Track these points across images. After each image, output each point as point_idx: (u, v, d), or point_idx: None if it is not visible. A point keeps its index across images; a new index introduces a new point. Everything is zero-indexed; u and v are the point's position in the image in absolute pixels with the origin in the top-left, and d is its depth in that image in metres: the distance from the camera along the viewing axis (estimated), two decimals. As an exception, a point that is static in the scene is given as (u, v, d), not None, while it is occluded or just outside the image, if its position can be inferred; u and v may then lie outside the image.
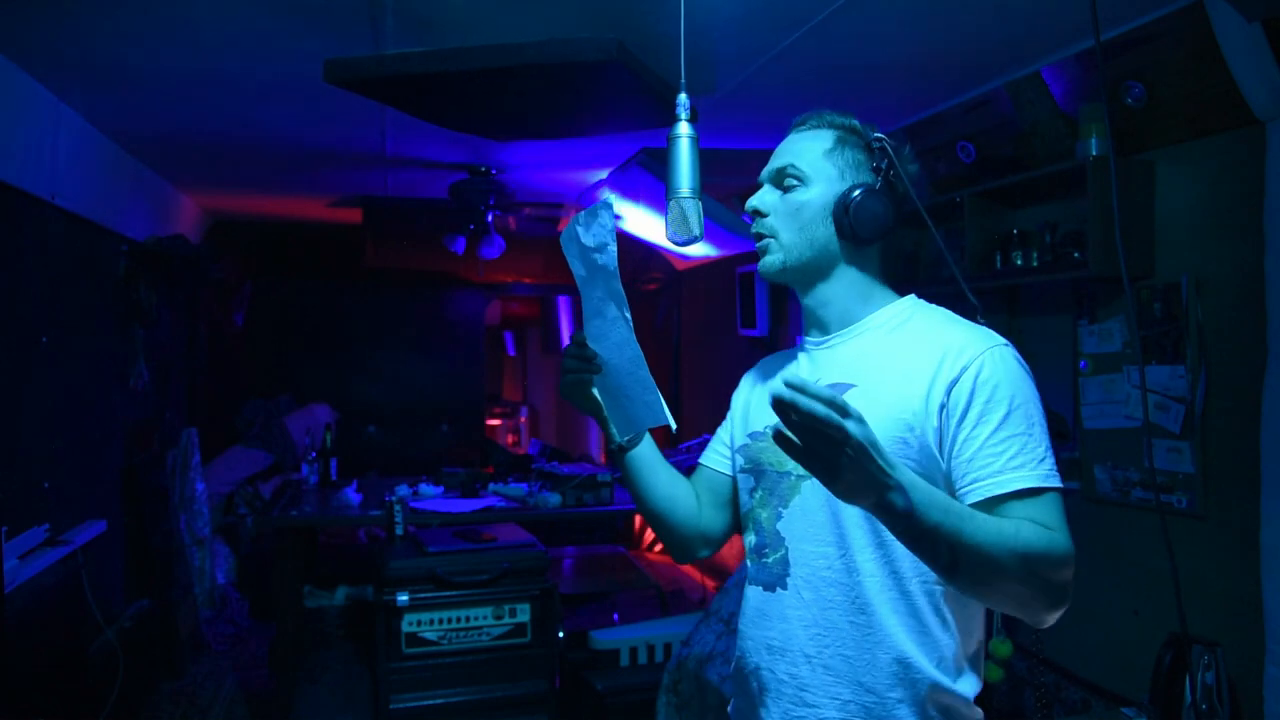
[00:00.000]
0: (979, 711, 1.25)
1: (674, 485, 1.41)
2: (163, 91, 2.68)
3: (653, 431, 1.41)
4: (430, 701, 3.10)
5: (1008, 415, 1.14)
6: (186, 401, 5.03)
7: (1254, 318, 1.94)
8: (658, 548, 5.77)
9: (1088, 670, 2.51)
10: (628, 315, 1.23)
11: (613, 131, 3.01)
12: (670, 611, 3.90)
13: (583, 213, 1.24)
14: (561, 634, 3.38)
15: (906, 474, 0.98)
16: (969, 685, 1.22)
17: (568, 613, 3.68)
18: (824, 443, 0.91)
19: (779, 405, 0.90)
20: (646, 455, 1.38)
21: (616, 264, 1.21)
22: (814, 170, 1.28)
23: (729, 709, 1.43)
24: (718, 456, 1.46)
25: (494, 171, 3.90)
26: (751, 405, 1.41)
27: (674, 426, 1.39)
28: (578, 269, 1.30)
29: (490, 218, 4.37)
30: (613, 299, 1.24)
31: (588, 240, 1.23)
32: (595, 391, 1.35)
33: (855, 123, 1.32)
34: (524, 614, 3.20)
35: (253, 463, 5.42)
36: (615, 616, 3.80)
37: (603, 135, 3.11)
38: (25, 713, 2.52)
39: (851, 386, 1.24)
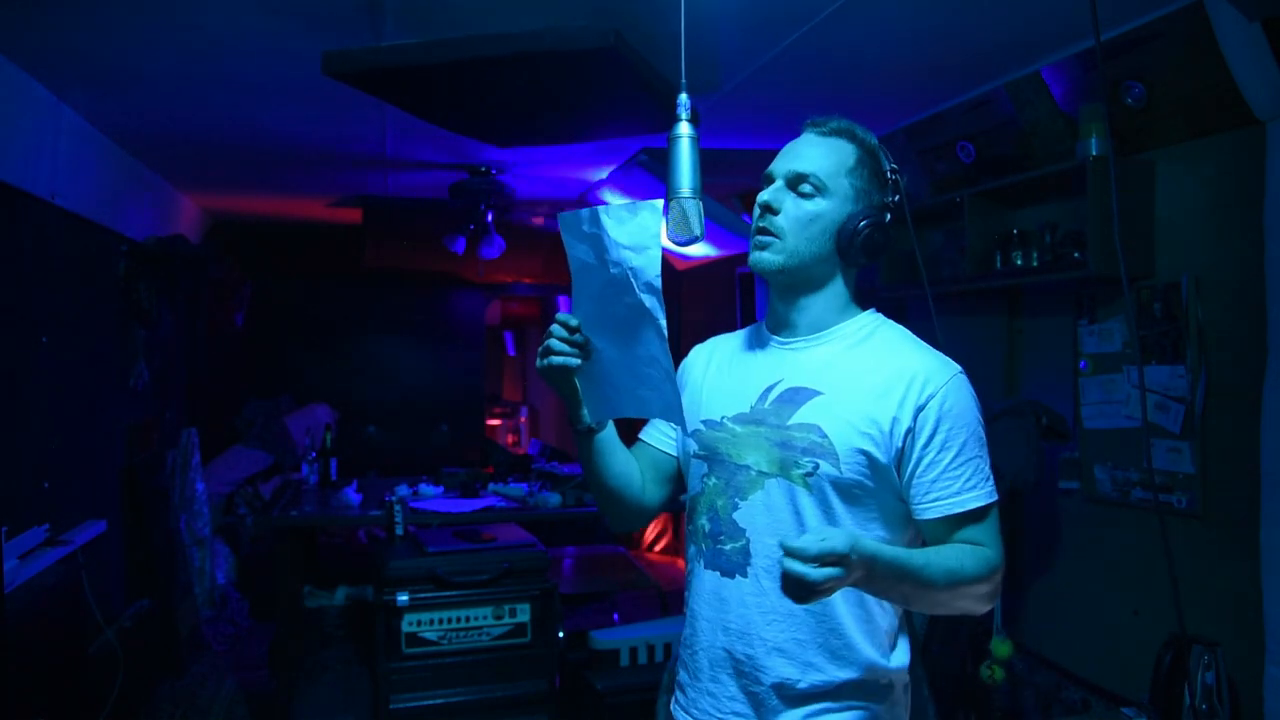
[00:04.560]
0: (906, 676, 1.37)
1: (628, 464, 1.45)
2: (163, 91, 2.68)
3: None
4: (430, 701, 3.10)
5: (965, 442, 1.27)
6: (186, 401, 5.02)
7: (1254, 318, 1.94)
8: (658, 547, 5.77)
9: (1088, 670, 2.51)
10: (662, 319, 1.20)
11: (613, 135, 3.00)
12: (670, 611, 3.90)
13: (618, 205, 1.21)
14: (561, 634, 3.37)
15: (883, 558, 1.12)
16: (901, 657, 1.35)
17: (568, 613, 3.67)
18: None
19: (788, 578, 1.05)
20: (609, 437, 1.41)
21: (659, 268, 1.20)
22: (834, 185, 1.30)
23: (668, 683, 1.48)
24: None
25: (494, 171, 3.90)
26: (705, 389, 1.43)
27: (687, 428, 1.39)
28: (583, 254, 1.28)
29: (490, 218, 4.37)
30: (646, 302, 1.21)
31: (620, 236, 1.21)
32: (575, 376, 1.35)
33: (874, 141, 1.34)
34: (524, 614, 3.20)
35: (253, 463, 5.42)
36: (615, 616, 3.80)
37: (603, 139, 3.11)
38: (25, 713, 2.52)
39: (818, 394, 1.30)
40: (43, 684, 2.72)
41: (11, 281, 2.70)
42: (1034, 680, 2.67)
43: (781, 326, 1.38)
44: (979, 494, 1.26)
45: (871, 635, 1.30)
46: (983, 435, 1.30)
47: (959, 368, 1.31)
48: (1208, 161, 2.14)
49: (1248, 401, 1.96)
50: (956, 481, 1.25)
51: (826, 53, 2.27)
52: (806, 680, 1.29)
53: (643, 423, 1.51)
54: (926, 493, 1.26)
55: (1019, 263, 2.56)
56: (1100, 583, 2.46)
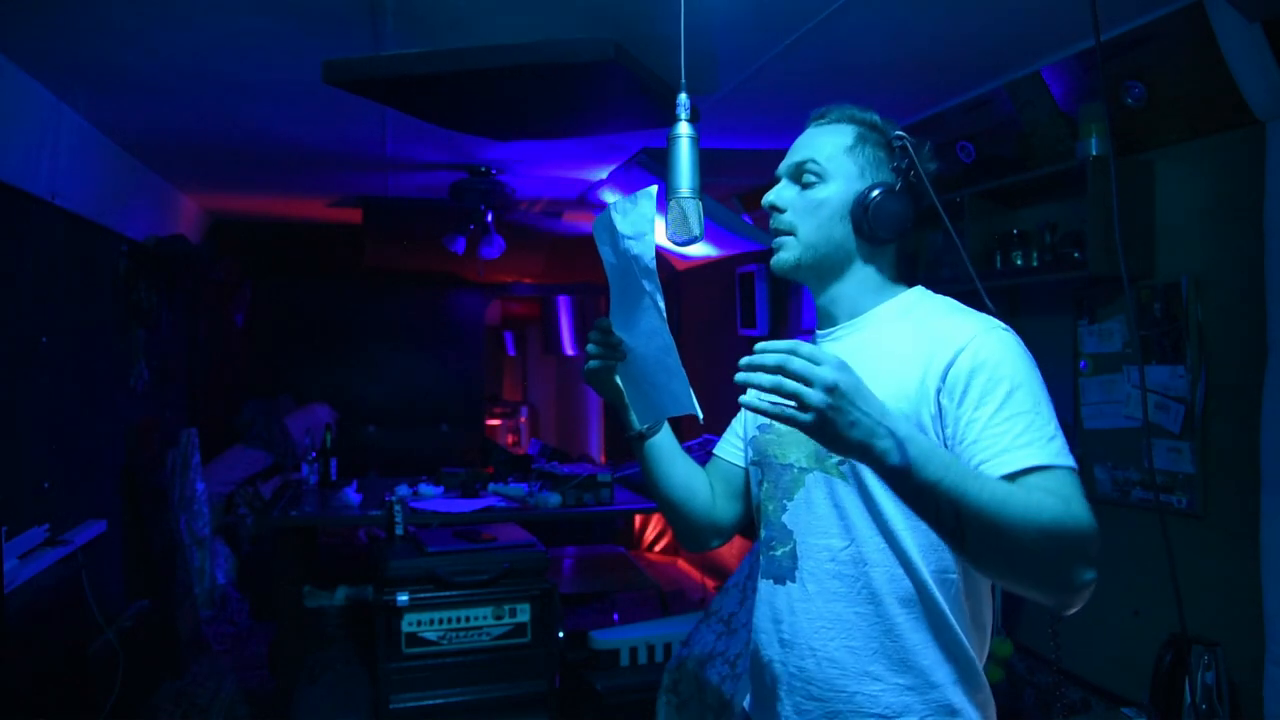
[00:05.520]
0: (990, 706, 1.25)
1: (691, 475, 1.41)
2: (163, 91, 2.68)
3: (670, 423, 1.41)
4: (430, 701, 3.10)
5: (1010, 394, 1.11)
6: (186, 401, 5.02)
7: (1254, 318, 1.94)
8: (658, 547, 5.77)
9: (1088, 670, 2.51)
10: (661, 303, 1.20)
11: (613, 131, 3.01)
12: (670, 611, 3.90)
13: (621, 199, 1.23)
14: (561, 634, 3.38)
15: (903, 426, 0.98)
16: (982, 682, 1.23)
17: (568, 613, 3.68)
18: (798, 391, 0.95)
19: (748, 372, 0.97)
20: (665, 444, 1.38)
21: (654, 252, 1.19)
22: (834, 167, 1.27)
23: (745, 703, 1.42)
24: (730, 448, 1.47)
25: (494, 171, 3.90)
26: None
27: (700, 417, 1.37)
28: (608, 256, 1.29)
29: (490, 218, 4.37)
30: (646, 286, 1.21)
31: (624, 228, 1.22)
32: (617, 378, 1.36)
33: (876, 118, 1.30)
34: (524, 614, 3.20)
35: (253, 463, 5.42)
36: (615, 616, 3.80)
37: (603, 135, 3.11)
38: (25, 713, 2.52)
39: None
40: (43, 684, 2.72)
41: (11, 281, 2.70)
42: (1034, 680, 2.67)
43: (824, 321, 1.35)
44: (1035, 451, 1.06)
45: (940, 646, 1.19)
46: (1040, 391, 1.12)
47: (1001, 324, 1.19)
48: (1208, 161, 2.14)
49: (1248, 401, 1.96)
50: (1004, 437, 1.08)
51: (826, 53, 2.27)
52: (865, 691, 1.18)
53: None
54: (971, 456, 1.09)
55: (1019, 263, 2.56)
56: (1100, 583, 2.46)
